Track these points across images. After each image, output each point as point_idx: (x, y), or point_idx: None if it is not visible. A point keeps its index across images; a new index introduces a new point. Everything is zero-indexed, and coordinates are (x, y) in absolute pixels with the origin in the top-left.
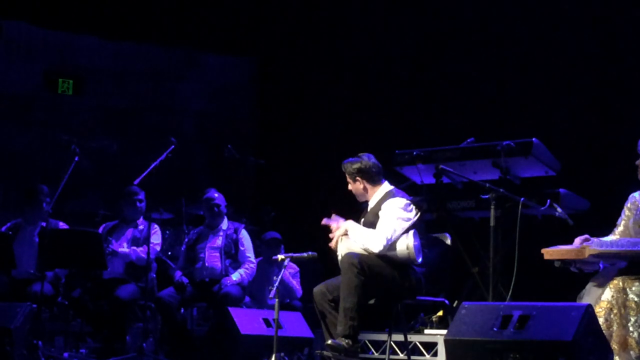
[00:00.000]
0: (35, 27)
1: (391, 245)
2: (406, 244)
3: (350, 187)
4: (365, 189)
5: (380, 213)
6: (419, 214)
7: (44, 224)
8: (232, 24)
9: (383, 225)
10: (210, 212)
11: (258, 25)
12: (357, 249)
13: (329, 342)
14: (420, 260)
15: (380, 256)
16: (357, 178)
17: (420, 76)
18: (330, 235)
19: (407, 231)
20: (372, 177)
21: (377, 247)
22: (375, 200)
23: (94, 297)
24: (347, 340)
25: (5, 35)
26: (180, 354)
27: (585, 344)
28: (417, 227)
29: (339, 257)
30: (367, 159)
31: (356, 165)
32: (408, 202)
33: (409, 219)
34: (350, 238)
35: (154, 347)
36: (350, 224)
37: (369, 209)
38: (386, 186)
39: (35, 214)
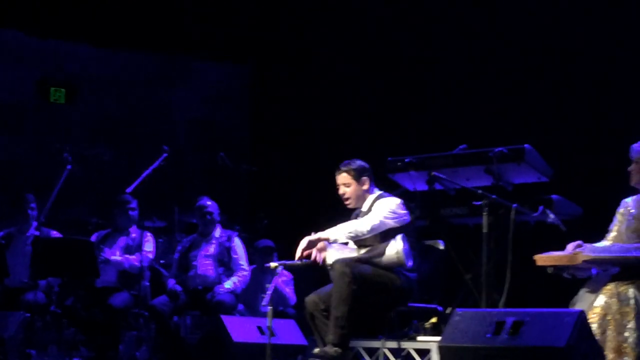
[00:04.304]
0: (28, 35)
1: (386, 241)
2: (395, 249)
3: (347, 190)
4: (367, 190)
5: (372, 208)
6: (411, 218)
7: (36, 232)
8: (225, 31)
9: (373, 213)
10: (203, 220)
11: (251, 33)
12: (349, 257)
13: (315, 350)
14: (410, 264)
15: (371, 263)
16: (364, 178)
17: (412, 83)
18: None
19: (395, 235)
20: (373, 179)
21: (367, 227)
22: (367, 205)
23: (87, 305)
24: (335, 349)
25: None
26: None
27: (579, 350)
28: (408, 232)
29: (329, 266)
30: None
31: (363, 164)
32: (401, 201)
33: (403, 216)
34: (332, 237)
35: (148, 356)
36: (328, 231)
37: (360, 215)
38: (377, 191)
39: (23, 223)
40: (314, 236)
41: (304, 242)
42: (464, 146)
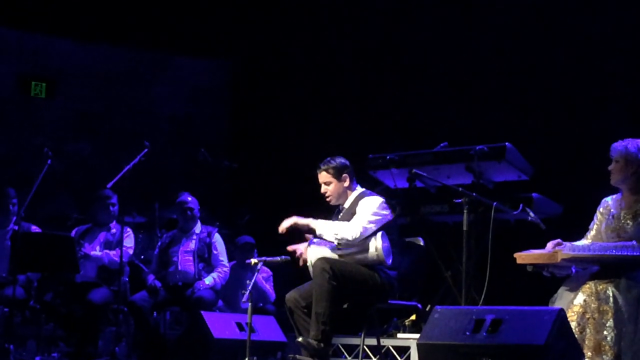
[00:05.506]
0: (9, 29)
1: (366, 239)
2: (375, 246)
3: (328, 188)
4: (348, 187)
5: (357, 209)
6: (393, 216)
7: (15, 227)
8: (206, 27)
9: (360, 216)
10: (183, 216)
11: (233, 29)
12: (329, 254)
13: (300, 339)
14: (389, 261)
15: (352, 260)
16: (344, 175)
17: (394, 81)
18: (296, 250)
19: (376, 232)
20: (354, 176)
21: (352, 234)
22: (350, 201)
23: (67, 300)
24: (317, 342)
25: None
26: (153, 358)
27: (557, 348)
28: (390, 229)
29: (309, 264)
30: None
31: (343, 162)
32: (384, 200)
33: (385, 217)
34: (319, 231)
35: (127, 351)
36: (318, 223)
37: (343, 212)
38: (360, 188)
39: (4, 218)
40: (303, 220)
41: (291, 220)
42: (445, 144)
